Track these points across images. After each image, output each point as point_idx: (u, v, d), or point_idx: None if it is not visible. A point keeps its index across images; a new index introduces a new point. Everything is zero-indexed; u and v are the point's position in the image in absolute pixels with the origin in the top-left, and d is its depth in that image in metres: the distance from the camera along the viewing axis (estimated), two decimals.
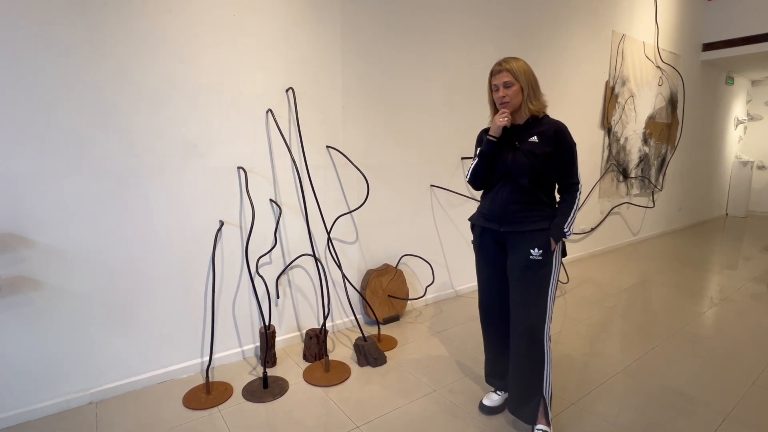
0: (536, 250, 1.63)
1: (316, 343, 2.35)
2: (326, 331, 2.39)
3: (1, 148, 1.68)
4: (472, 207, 3.23)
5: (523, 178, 1.65)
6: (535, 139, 1.64)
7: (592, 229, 4.72)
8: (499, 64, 1.64)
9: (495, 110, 1.73)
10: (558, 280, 1.71)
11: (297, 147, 2.46)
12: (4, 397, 1.79)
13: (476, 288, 1.91)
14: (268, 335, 2.23)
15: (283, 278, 2.51)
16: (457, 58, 3.14)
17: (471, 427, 1.82)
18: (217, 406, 1.95)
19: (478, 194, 2.12)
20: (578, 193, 1.68)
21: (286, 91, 2.39)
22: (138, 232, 2.01)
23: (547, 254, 1.63)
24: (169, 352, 2.16)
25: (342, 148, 2.63)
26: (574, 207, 1.65)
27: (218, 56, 2.14)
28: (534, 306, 1.66)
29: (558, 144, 1.62)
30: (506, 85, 1.63)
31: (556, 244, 1.63)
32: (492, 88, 1.69)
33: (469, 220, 1.90)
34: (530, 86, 1.63)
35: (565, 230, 1.63)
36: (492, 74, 1.67)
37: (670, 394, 2.07)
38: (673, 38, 5.39)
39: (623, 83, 4.72)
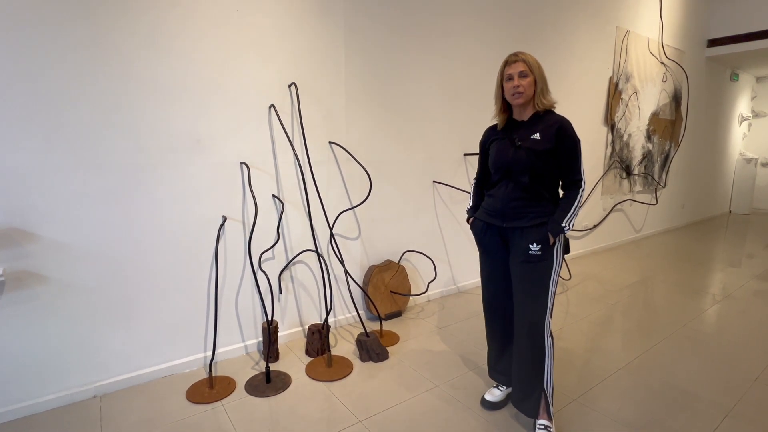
0: (534, 245, 1.62)
1: (318, 339, 2.36)
2: (328, 327, 2.39)
3: (7, 143, 1.69)
4: None
5: (523, 175, 1.65)
6: (537, 136, 1.63)
7: (595, 226, 4.72)
8: (515, 54, 1.64)
9: (503, 104, 1.72)
10: (559, 276, 1.71)
11: (299, 143, 2.46)
12: (9, 390, 1.81)
13: (478, 284, 1.91)
14: (270, 330, 2.24)
15: (286, 274, 2.52)
16: (460, 54, 3.12)
17: (473, 421, 1.83)
18: (220, 400, 1.97)
19: None
20: (581, 190, 1.65)
21: (289, 86, 2.39)
22: (142, 226, 2.02)
23: (546, 249, 1.63)
24: (173, 346, 2.18)
25: (344, 143, 2.63)
26: (575, 203, 1.63)
27: (221, 52, 2.14)
28: (534, 301, 1.66)
29: (560, 140, 1.61)
30: (521, 75, 1.62)
31: (554, 239, 1.62)
32: (505, 78, 1.66)
33: (468, 217, 1.91)
34: (543, 80, 1.64)
35: (564, 226, 1.61)
36: (507, 64, 1.65)
37: (672, 391, 2.07)
38: (677, 34, 5.35)
39: (627, 79, 4.69)
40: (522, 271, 1.67)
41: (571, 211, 1.63)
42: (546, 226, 1.63)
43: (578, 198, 1.64)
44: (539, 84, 1.63)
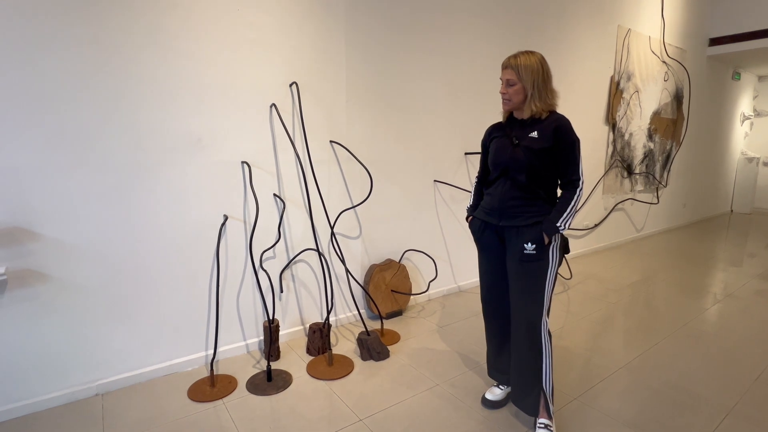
0: (529, 244, 1.62)
1: (319, 337, 2.36)
2: (329, 326, 2.40)
3: (8, 142, 1.70)
4: None
5: (520, 174, 1.65)
6: (534, 134, 1.63)
7: (596, 225, 4.71)
8: (508, 59, 1.64)
9: None
10: (556, 275, 1.70)
11: (301, 142, 2.46)
12: (11, 388, 1.81)
13: (479, 283, 1.91)
14: (271, 329, 2.24)
15: (287, 272, 2.53)
16: (461, 53, 3.12)
17: (473, 420, 1.83)
18: (221, 398, 1.97)
19: None
20: (578, 190, 1.63)
21: (290, 85, 2.39)
22: (143, 225, 2.03)
23: (541, 249, 1.62)
24: (174, 345, 2.18)
25: (345, 142, 2.63)
26: (572, 203, 1.62)
27: (222, 51, 2.14)
28: (530, 299, 1.66)
29: (558, 140, 1.60)
30: (508, 83, 1.63)
31: (549, 238, 1.62)
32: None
33: (467, 215, 1.91)
34: (536, 86, 1.60)
35: (559, 225, 1.60)
36: (502, 68, 1.67)
37: (673, 390, 2.07)
38: (679, 33, 5.34)
39: (628, 78, 4.68)
40: (518, 270, 1.67)
41: (567, 211, 1.61)
42: (541, 226, 1.63)
43: (575, 198, 1.63)
44: (529, 90, 1.61)
